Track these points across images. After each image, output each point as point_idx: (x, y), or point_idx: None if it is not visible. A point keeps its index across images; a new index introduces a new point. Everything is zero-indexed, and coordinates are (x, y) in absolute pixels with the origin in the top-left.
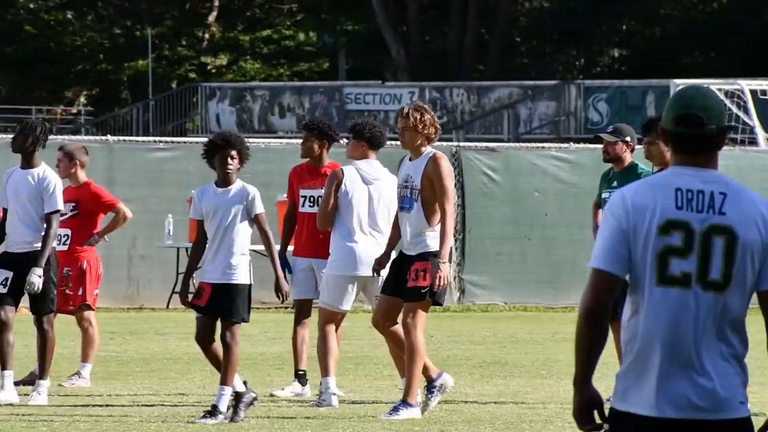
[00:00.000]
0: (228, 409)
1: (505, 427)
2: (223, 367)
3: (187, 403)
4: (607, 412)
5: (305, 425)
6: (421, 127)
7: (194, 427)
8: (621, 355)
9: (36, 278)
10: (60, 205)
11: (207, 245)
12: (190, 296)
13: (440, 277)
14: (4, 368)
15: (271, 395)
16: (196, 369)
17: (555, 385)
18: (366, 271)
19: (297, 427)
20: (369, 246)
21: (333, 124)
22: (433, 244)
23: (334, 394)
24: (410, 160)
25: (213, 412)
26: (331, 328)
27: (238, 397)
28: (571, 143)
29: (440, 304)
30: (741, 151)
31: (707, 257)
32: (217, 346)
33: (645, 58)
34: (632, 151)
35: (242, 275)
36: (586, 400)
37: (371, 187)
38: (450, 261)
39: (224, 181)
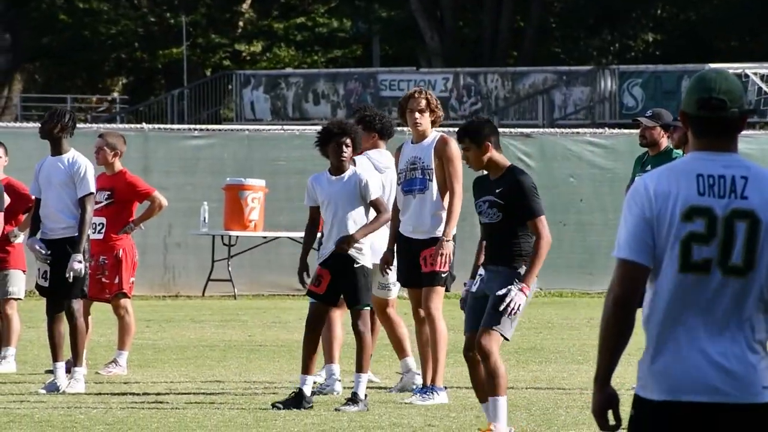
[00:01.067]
0: (356, 396)
1: (542, 413)
2: (358, 354)
3: (224, 390)
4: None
5: (340, 413)
6: (438, 108)
7: (230, 413)
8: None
9: (77, 264)
10: (92, 188)
11: (324, 231)
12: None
13: (444, 255)
14: (55, 360)
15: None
16: (232, 356)
17: (591, 371)
18: (377, 259)
19: (334, 415)
20: (383, 235)
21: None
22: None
23: (339, 380)
24: (413, 143)
25: (353, 399)
26: (337, 314)
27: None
28: (606, 128)
29: (447, 289)
30: None
31: (730, 242)
32: (317, 335)
33: (680, 43)
34: (669, 136)
35: (362, 258)
36: (606, 399)
37: (383, 176)
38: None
39: (338, 169)
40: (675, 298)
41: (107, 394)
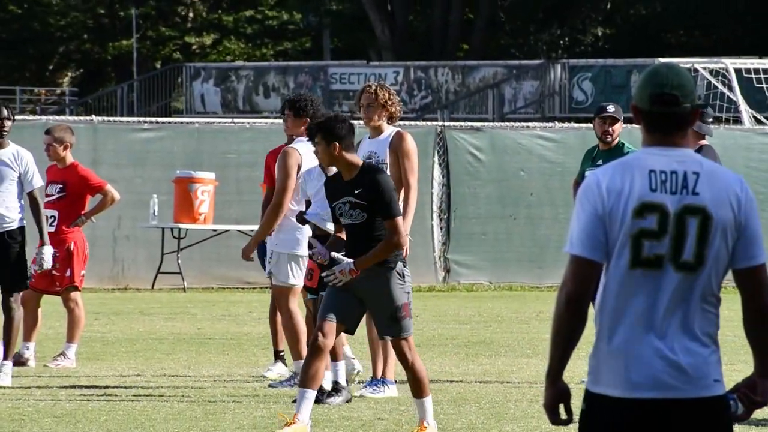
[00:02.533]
0: (337, 385)
1: (491, 407)
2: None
3: (173, 383)
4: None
5: (290, 406)
6: (390, 104)
7: (179, 406)
8: None
9: (48, 255)
10: (41, 180)
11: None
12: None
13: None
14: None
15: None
16: (181, 349)
17: (540, 365)
18: (287, 248)
19: (284, 408)
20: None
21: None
22: None
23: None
24: (370, 138)
25: (336, 388)
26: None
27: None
28: (556, 122)
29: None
30: (726, 129)
31: (681, 238)
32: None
33: (630, 37)
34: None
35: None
36: (558, 394)
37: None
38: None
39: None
40: (626, 293)
41: (55, 387)
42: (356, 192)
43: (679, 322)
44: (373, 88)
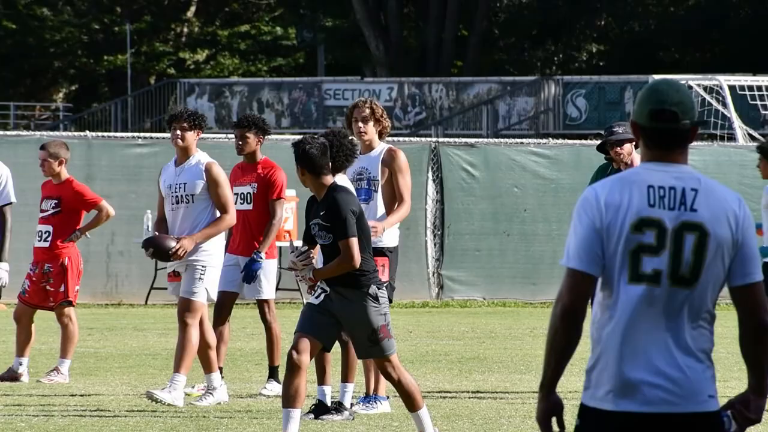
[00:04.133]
0: (341, 405)
1: (484, 422)
2: (343, 363)
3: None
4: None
5: (278, 421)
6: (383, 118)
7: (172, 422)
8: None
9: (3, 273)
10: (12, 197)
11: None
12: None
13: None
14: None
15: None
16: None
17: (533, 381)
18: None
19: (275, 423)
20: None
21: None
22: (388, 240)
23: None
24: (360, 153)
25: (338, 408)
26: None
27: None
28: (550, 139)
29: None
30: (720, 146)
31: (678, 254)
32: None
33: (623, 54)
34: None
35: None
36: (551, 407)
37: None
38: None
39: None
40: (623, 308)
41: (49, 402)
42: (321, 214)
43: (675, 338)
44: (369, 102)
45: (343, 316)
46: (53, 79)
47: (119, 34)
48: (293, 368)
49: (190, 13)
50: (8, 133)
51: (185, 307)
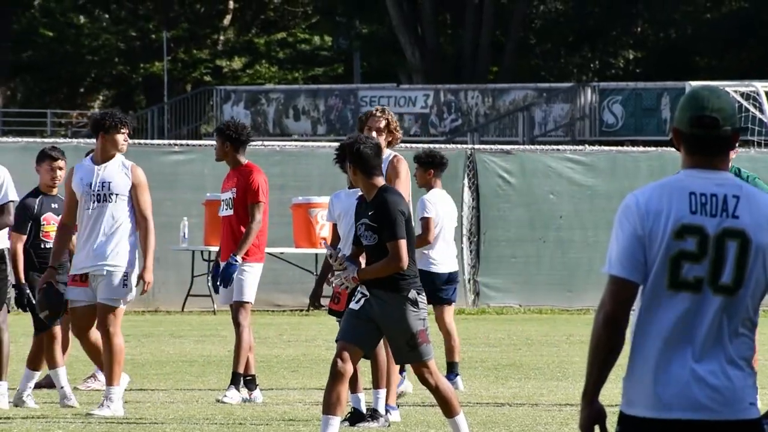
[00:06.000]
0: (375, 413)
1: (521, 430)
2: (373, 371)
3: (202, 405)
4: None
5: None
6: (395, 128)
7: (209, 429)
8: None
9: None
10: (12, 196)
11: (341, 245)
12: (325, 300)
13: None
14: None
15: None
16: (211, 371)
17: (570, 388)
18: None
19: (314, 429)
20: None
21: (237, 125)
22: None
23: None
24: None
25: (373, 415)
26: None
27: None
28: (586, 145)
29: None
30: (757, 152)
31: (720, 261)
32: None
33: (660, 60)
34: None
35: None
36: (595, 414)
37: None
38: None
39: (352, 183)
40: (663, 315)
41: (86, 409)
42: (370, 214)
43: (716, 345)
44: (383, 112)
45: (382, 321)
46: (90, 86)
47: (156, 41)
48: (337, 375)
49: (226, 21)
50: (45, 140)
51: (106, 314)
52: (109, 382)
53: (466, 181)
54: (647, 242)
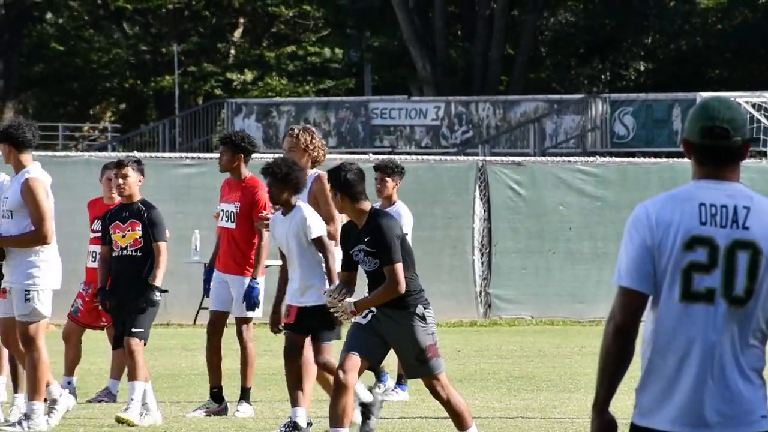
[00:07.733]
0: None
1: None
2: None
3: (215, 418)
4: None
5: None
6: (311, 148)
7: None
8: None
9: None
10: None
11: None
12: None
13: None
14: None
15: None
16: (223, 384)
17: (582, 399)
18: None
19: None
20: None
21: (249, 137)
22: None
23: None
24: None
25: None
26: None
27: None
28: (597, 157)
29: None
30: None
31: (731, 273)
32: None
33: (671, 72)
34: None
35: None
36: (605, 425)
37: None
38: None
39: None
40: (674, 326)
41: (98, 424)
42: (365, 240)
43: (727, 357)
44: (296, 132)
45: (390, 337)
46: (101, 100)
47: (166, 55)
48: (340, 388)
49: (237, 34)
50: (57, 154)
51: (24, 331)
52: (30, 396)
53: (477, 192)
54: (657, 253)
